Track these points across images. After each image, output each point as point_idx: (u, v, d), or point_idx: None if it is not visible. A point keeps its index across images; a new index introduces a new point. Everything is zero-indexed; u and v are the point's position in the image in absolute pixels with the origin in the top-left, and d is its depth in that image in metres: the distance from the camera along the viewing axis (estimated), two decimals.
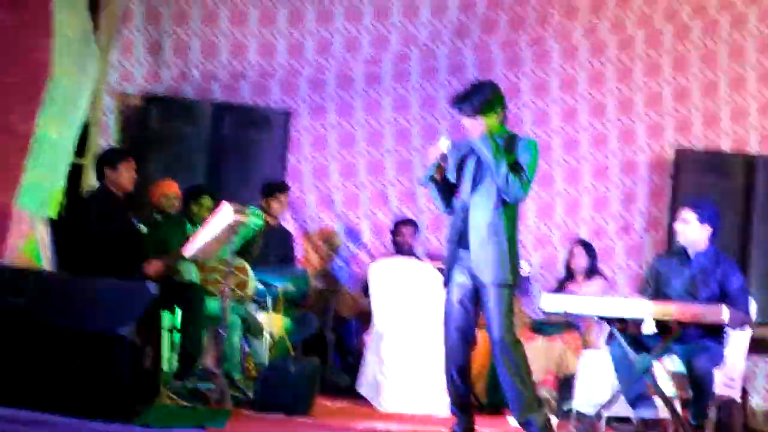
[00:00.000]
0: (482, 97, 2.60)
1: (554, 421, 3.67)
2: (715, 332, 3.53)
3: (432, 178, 2.67)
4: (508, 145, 2.60)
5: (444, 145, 2.64)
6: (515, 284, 2.72)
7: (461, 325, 2.73)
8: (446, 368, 2.79)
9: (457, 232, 2.71)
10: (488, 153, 2.54)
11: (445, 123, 4.58)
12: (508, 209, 2.62)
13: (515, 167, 2.53)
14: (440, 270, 3.99)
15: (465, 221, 2.67)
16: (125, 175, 3.74)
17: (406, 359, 3.91)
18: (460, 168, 2.71)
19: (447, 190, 2.74)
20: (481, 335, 3.29)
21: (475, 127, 2.61)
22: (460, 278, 2.71)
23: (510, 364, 2.66)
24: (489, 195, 2.60)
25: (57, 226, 4.03)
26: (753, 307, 3.75)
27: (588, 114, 4.66)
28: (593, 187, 4.70)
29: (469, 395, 2.93)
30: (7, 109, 4.04)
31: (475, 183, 2.64)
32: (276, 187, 4.20)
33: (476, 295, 2.71)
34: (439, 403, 3.58)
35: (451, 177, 2.74)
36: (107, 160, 3.87)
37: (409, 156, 4.75)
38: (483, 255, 2.61)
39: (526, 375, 2.71)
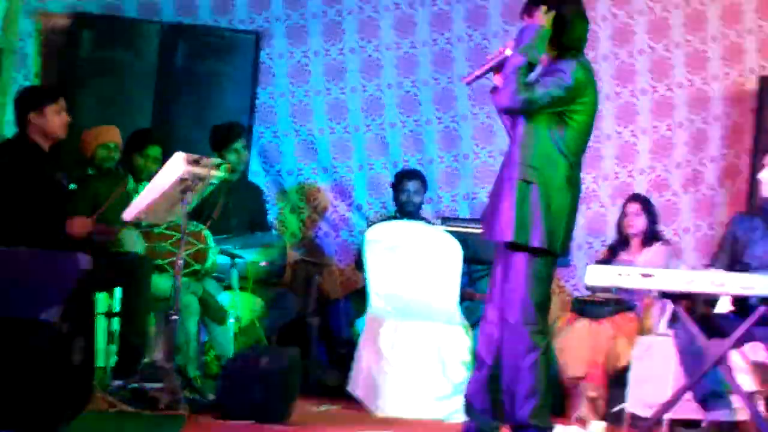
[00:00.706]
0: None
1: (602, 426, 3.40)
2: None
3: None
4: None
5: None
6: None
7: None
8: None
9: None
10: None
11: (461, 46, 4.01)
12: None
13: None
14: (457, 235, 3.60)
15: None
16: (55, 120, 3.23)
17: (410, 351, 3.40)
18: None
19: None
20: None
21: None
22: None
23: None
24: None
25: None
26: None
27: (646, 33, 4.03)
28: (652, 128, 4.10)
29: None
30: None
31: None
32: (237, 132, 3.62)
33: None
34: (452, 406, 3.18)
35: None
36: (30, 101, 3.35)
37: (416, 90, 4.11)
38: None
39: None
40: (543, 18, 2.23)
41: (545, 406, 2.27)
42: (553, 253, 2.20)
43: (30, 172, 3.21)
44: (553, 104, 2.14)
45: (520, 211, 2.11)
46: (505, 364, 2.21)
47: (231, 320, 3.73)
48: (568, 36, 2.26)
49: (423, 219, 3.89)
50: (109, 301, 3.65)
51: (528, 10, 2.30)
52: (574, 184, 2.21)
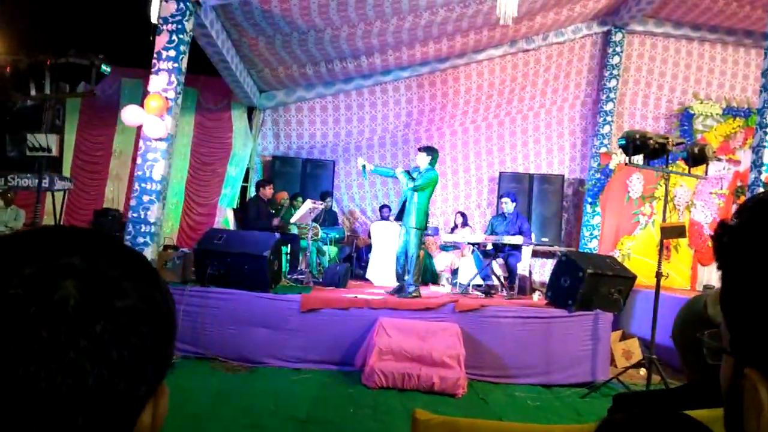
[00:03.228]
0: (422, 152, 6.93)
1: (449, 287, 7.67)
2: (517, 248, 6.99)
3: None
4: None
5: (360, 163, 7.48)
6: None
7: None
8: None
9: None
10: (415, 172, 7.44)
11: (400, 164, 9.65)
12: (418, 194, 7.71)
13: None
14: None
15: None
16: (268, 191, 8.20)
17: (384, 263, 8.57)
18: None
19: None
20: None
21: (420, 160, 6.18)
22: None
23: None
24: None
25: (236, 212, 8.98)
26: (533, 237, 7.90)
27: None
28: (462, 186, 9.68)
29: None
30: (214, 163, 9.21)
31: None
32: (328, 194, 9.19)
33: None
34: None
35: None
36: (260, 183, 8.35)
37: (386, 179, 9.69)
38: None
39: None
40: (427, 160, 6.40)
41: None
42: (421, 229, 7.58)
43: (259, 207, 8.87)
44: (424, 187, 6.73)
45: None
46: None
47: (327, 255, 8.07)
48: (433, 161, 5.97)
49: (388, 220, 9.23)
50: (286, 249, 7.23)
51: (421, 150, 6.04)
52: (426, 212, 7.03)
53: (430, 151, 6.10)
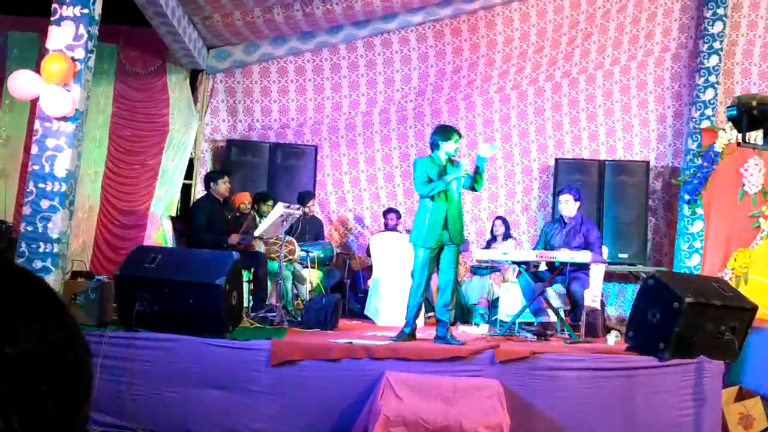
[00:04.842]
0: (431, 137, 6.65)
1: (485, 327, 7.49)
2: (583, 267, 6.78)
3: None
4: None
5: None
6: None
7: None
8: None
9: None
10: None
11: (413, 149, 9.58)
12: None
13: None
14: None
15: None
16: (223, 186, 7.42)
17: (391, 293, 7.87)
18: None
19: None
20: None
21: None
22: None
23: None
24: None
25: (176, 221, 8.52)
26: (605, 252, 7.37)
27: None
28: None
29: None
30: (143, 152, 9.14)
31: None
32: (309, 194, 8.96)
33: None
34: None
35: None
36: (212, 176, 7.68)
37: (392, 171, 9.63)
38: None
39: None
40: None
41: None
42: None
43: (212, 211, 7.70)
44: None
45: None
46: None
47: (307, 282, 7.70)
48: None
49: (398, 231, 8.73)
50: (248, 275, 6.96)
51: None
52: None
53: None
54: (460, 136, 6.24)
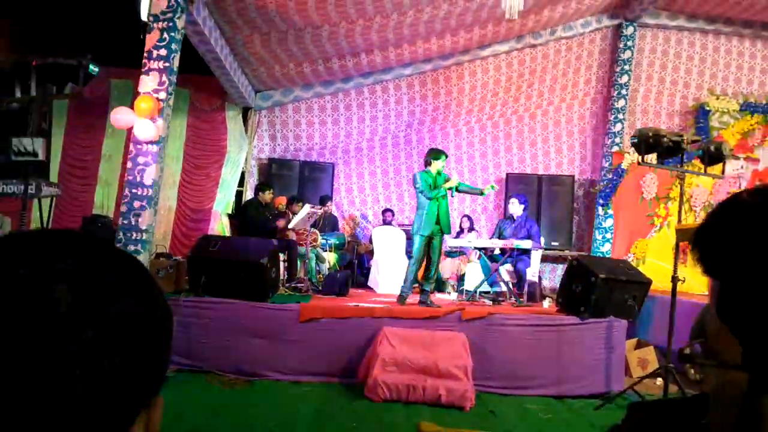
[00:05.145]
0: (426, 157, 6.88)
1: (455, 295, 7.67)
2: (526, 252, 6.98)
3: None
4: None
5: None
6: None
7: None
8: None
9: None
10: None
11: (404, 166, 9.66)
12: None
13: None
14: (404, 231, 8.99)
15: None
16: (267, 195, 8.04)
17: (386, 269, 8.45)
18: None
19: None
20: None
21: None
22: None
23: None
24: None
25: (232, 218, 8.87)
26: (542, 240, 7.86)
27: None
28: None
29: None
30: (208, 167, 9.21)
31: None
32: (328, 198, 9.14)
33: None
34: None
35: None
36: (260, 187, 8.20)
37: (389, 181, 9.70)
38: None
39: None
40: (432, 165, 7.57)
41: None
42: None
43: (258, 210, 8.61)
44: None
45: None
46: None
47: (327, 262, 7.85)
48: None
49: (392, 225, 9.10)
50: (283, 256, 6.83)
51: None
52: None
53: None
54: (446, 156, 6.28)
